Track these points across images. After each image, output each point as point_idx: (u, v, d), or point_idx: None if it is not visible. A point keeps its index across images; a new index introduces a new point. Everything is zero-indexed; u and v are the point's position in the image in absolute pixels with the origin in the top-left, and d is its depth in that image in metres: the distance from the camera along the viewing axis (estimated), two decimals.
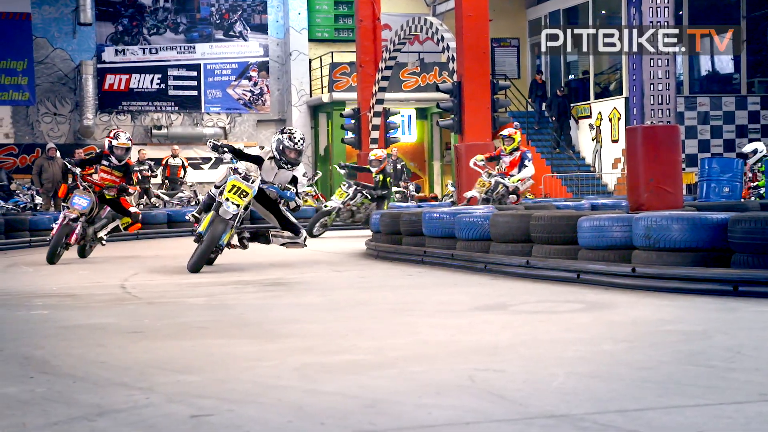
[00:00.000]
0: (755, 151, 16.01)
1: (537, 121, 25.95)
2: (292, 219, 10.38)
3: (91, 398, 3.84)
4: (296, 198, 10.13)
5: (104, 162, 12.17)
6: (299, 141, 10.01)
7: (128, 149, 12.15)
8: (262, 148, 10.48)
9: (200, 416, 3.52)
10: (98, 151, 13.03)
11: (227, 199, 9.59)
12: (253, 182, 9.78)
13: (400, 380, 4.11)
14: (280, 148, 9.98)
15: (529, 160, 15.45)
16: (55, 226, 11.97)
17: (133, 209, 12.58)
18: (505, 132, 15.66)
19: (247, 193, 9.68)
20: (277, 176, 10.13)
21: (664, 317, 6.03)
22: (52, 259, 11.60)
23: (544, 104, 26.09)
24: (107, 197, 12.11)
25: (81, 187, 11.87)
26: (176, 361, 4.66)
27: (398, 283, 8.90)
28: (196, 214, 10.34)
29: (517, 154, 15.38)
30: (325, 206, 17.63)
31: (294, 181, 10.13)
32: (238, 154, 10.10)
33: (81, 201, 11.76)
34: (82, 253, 12.32)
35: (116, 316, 6.57)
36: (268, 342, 5.28)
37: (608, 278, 7.76)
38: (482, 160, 15.48)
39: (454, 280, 8.94)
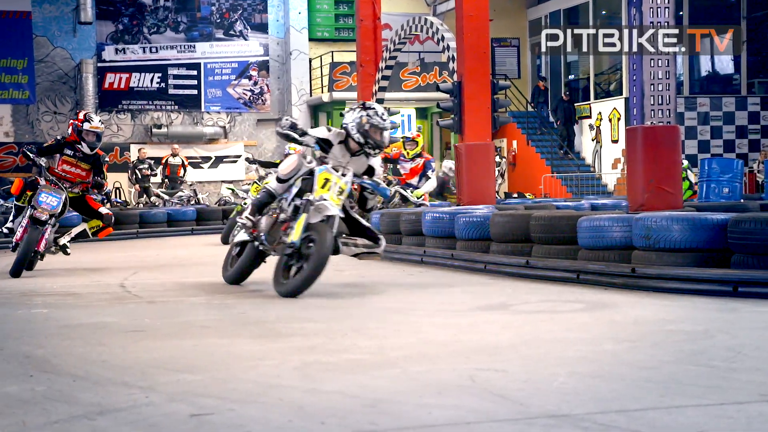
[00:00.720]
0: None
1: (539, 126, 26.00)
2: (365, 222, 8.01)
3: (92, 397, 3.84)
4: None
5: (67, 151, 9.93)
6: (386, 119, 7.87)
7: (100, 135, 9.98)
8: (329, 129, 8.04)
9: (201, 415, 3.52)
10: (59, 138, 10.27)
11: (322, 198, 7.46)
12: (344, 175, 7.65)
13: (401, 380, 4.11)
14: (364, 127, 7.73)
15: (432, 171, 13.77)
16: (18, 231, 9.66)
17: (104, 210, 10.21)
18: (409, 134, 14.08)
19: (343, 190, 7.58)
20: (349, 165, 7.87)
21: (665, 317, 6.03)
22: (19, 271, 9.38)
23: (549, 110, 26.13)
24: (70, 195, 9.95)
25: (42, 182, 9.71)
26: (177, 361, 4.65)
27: (398, 282, 8.89)
28: (251, 216, 8.00)
29: (420, 161, 13.75)
30: (242, 205, 14.29)
31: (370, 172, 7.97)
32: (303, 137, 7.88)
33: (50, 199, 9.56)
34: (30, 265, 9.77)
35: (117, 315, 6.57)
36: (269, 341, 5.27)
37: (608, 278, 7.76)
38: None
39: (454, 280, 8.94)
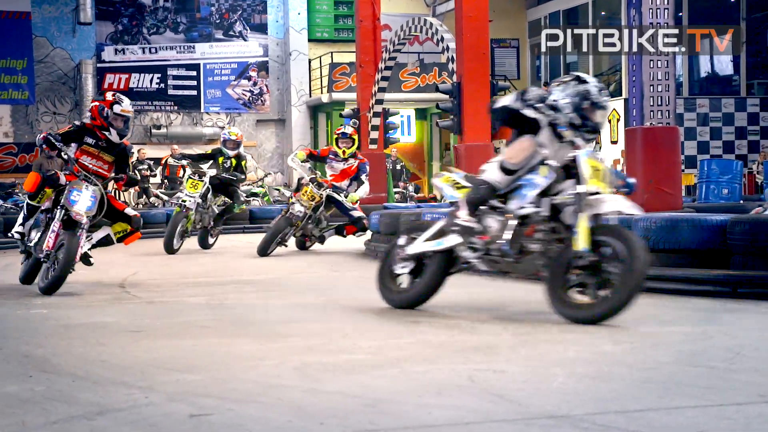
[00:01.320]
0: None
1: None
2: None
3: (91, 397, 3.84)
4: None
5: (89, 140, 8.09)
6: (606, 94, 6.10)
7: (129, 120, 8.19)
8: (532, 105, 5.96)
9: (200, 415, 3.52)
10: (77, 123, 8.39)
11: (598, 191, 5.77)
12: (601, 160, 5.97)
13: (400, 380, 4.11)
14: (582, 106, 5.91)
15: (366, 175, 11.95)
16: (50, 238, 7.82)
17: (130, 211, 8.39)
18: (347, 129, 12.28)
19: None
20: (556, 156, 6.04)
21: (665, 318, 6.03)
22: (55, 289, 7.78)
23: None
24: None
25: (63, 177, 8.02)
26: (177, 361, 4.66)
27: None
28: (473, 218, 6.23)
29: (354, 162, 11.95)
30: (180, 204, 12.73)
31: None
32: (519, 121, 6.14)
33: (84, 197, 7.84)
34: (34, 277, 8.24)
35: (116, 315, 6.57)
36: (269, 341, 5.28)
37: None
38: (305, 160, 11.97)
39: (452, 280, 8.92)
